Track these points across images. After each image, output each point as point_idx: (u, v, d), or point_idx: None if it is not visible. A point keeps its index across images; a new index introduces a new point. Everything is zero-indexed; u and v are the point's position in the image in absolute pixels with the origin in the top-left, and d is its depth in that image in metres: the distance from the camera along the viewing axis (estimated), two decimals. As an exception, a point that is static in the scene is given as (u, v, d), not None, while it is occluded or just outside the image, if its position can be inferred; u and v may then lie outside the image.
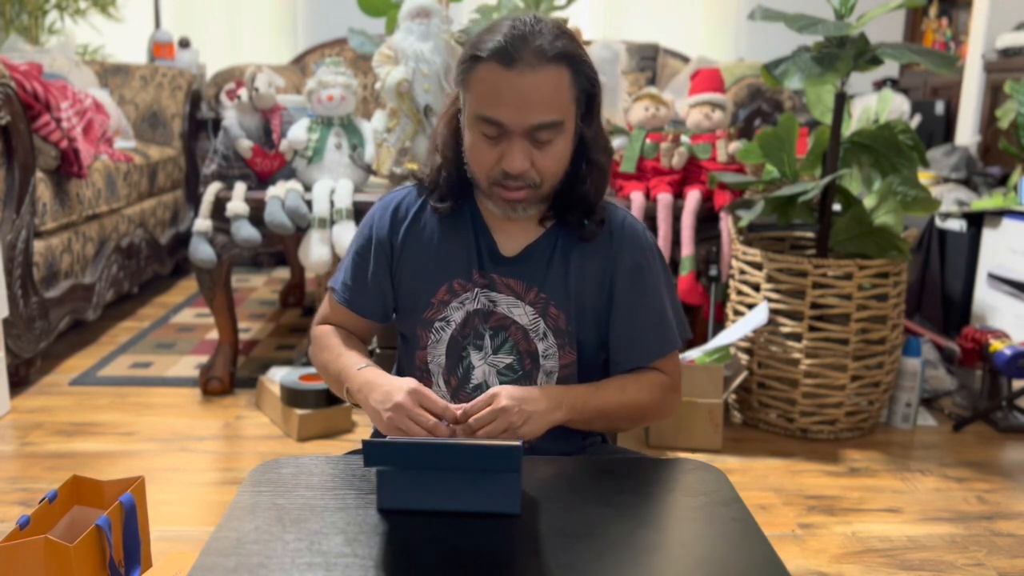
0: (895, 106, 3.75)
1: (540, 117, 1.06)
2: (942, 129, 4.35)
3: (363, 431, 2.36)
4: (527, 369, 1.18)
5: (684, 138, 2.64)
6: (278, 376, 2.45)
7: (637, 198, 2.55)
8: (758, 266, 2.39)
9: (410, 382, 1.09)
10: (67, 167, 2.71)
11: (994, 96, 4.01)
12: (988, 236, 3.01)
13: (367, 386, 1.12)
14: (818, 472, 2.18)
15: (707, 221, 2.61)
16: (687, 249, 2.52)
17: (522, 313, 1.17)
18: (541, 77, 1.05)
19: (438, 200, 1.20)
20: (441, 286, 1.19)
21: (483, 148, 1.10)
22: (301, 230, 2.45)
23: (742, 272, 2.46)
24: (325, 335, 1.27)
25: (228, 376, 2.61)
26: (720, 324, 2.68)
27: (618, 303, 1.19)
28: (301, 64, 4.29)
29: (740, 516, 0.94)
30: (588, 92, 1.12)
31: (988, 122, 4.03)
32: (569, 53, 1.07)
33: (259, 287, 3.97)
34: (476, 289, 1.18)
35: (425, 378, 1.21)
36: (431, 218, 1.21)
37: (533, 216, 1.19)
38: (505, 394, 1.06)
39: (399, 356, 1.30)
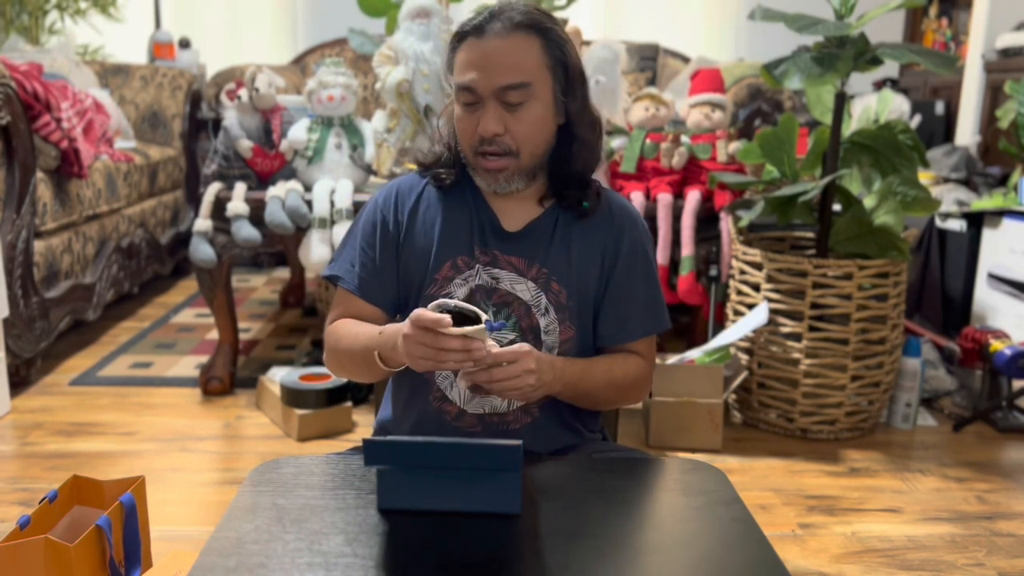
0: (895, 106, 3.75)
1: (507, 79, 1.13)
2: (942, 129, 4.35)
3: (363, 431, 2.36)
4: None
5: (684, 138, 2.64)
6: (278, 376, 2.45)
7: (637, 198, 2.55)
8: (758, 266, 2.39)
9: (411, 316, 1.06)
10: (67, 167, 2.71)
11: (994, 96, 4.01)
12: (988, 236, 3.01)
13: (390, 339, 1.11)
14: (818, 472, 2.18)
15: (707, 221, 2.61)
16: (687, 249, 2.52)
17: (524, 289, 1.20)
18: (508, 43, 1.13)
19: (442, 174, 1.25)
20: (445, 262, 1.21)
21: (464, 118, 1.17)
22: (301, 230, 2.45)
23: (742, 272, 2.46)
24: (336, 329, 1.24)
25: (228, 376, 2.61)
26: (720, 324, 2.68)
27: (615, 280, 1.23)
28: (301, 64, 4.29)
29: (740, 516, 0.94)
30: (562, 62, 1.17)
31: (988, 122, 4.02)
32: (537, 22, 1.15)
33: (259, 287, 3.97)
34: (478, 266, 1.20)
35: None
36: (433, 198, 1.25)
37: (532, 195, 1.23)
38: (534, 358, 1.08)
39: None
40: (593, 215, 1.23)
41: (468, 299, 1.20)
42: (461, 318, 1.03)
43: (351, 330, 1.21)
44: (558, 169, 1.22)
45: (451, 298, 1.19)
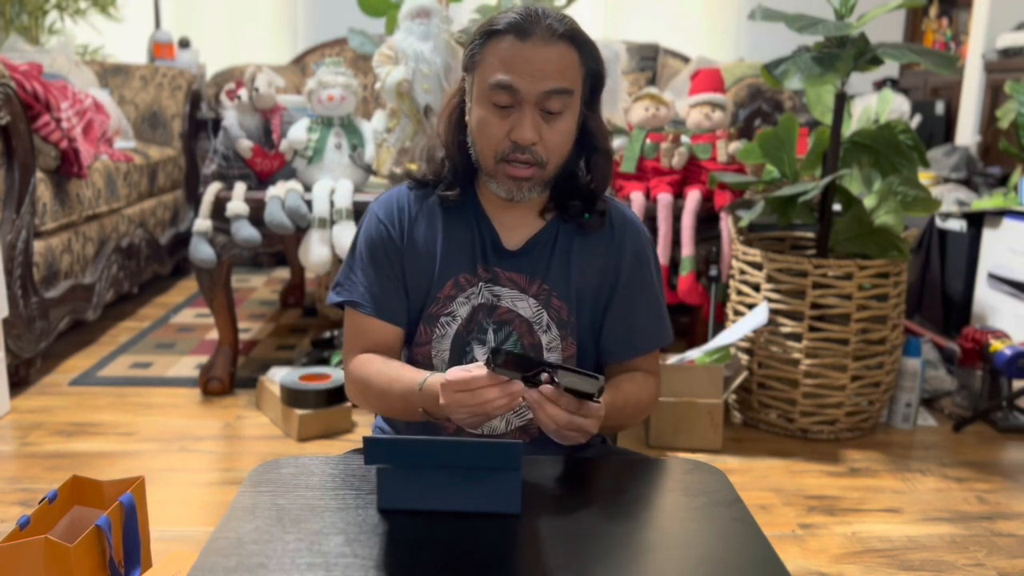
0: (895, 106, 3.75)
1: (554, 83, 1.09)
2: (942, 129, 4.35)
3: (363, 431, 2.36)
4: None
5: (684, 138, 2.64)
6: (278, 376, 2.45)
7: (637, 198, 2.55)
8: (758, 266, 2.39)
9: (439, 379, 1.04)
10: (67, 167, 2.71)
11: (994, 96, 4.01)
12: (988, 236, 3.01)
13: (431, 397, 1.07)
14: (818, 472, 2.18)
15: (707, 221, 2.61)
16: (687, 249, 2.52)
17: (526, 306, 1.18)
18: (553, 50, 1.09)
19: (445, 189, 1.20)
20: (447, 281, 1.19)
21: (493, 122, 1.11)
22: (301, 230, 2.45)
23: (742, 272, 2.46)
24: (362, 369, 1.19)
25: (228, 376, 2.61)
26: (720, 324, 2.68)
27: (619, 293, 1.21)
28: (301, 64, 4.29)
29: (740, 516, 0.94)
30: (595, 74, 1.15)
31: (988, 122, 4.03)
32: (576, 34, 1.12)
33: (259, 287, 3.96)
34: (480, 284, 1.18)
35: None
36: (432, 214, 1.22)
37: (534, 207, 1.20)
38: (598, 418, 1.02)
39: None
40: (595, 228, 1.20)
41: (470, 317, 1.18)
42: (515, 362, 0.98)
43: (382, 373, 1.15)
44: (565, 181, 1.18)
45: (454, 317, 1.18)
